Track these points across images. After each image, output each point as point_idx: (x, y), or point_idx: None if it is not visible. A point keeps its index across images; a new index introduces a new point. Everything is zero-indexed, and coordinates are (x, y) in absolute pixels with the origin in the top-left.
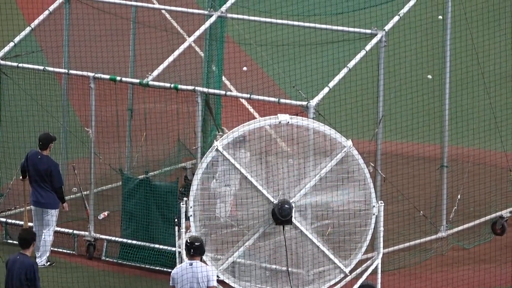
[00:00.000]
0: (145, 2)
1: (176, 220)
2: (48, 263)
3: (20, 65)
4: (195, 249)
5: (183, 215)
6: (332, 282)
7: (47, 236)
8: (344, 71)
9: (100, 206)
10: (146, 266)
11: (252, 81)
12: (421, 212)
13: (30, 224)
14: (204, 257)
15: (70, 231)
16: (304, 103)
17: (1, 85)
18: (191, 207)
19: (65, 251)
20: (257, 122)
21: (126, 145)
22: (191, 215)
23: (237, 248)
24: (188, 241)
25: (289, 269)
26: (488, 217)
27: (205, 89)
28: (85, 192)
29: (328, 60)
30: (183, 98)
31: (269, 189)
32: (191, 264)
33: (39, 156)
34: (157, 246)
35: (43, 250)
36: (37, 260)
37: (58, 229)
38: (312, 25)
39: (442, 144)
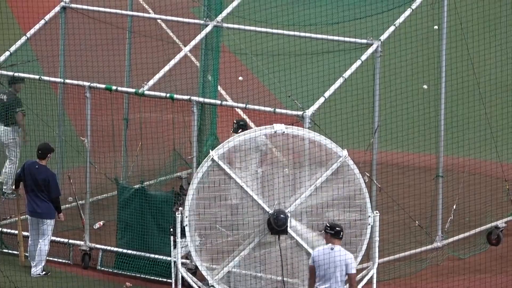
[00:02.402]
0: (141, 12)
1: (171, 229)
2: (44, 272)
3: (16, 74)
4: (339, 232)
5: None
6: None
7: (42, 246)
8: (339, 81)
9: (96, 215)
10: (142, 276)
11: (247, 91)
12: (417, 222)
13: (25, 233)
14: (199, 267)
15: (66, 240)
16: (300, 113)
17: None
18: (186, 217)
19: (60, 260)
20: (253, 132)
21: (122, 154)
22: (186, 225)
23: (232, 258)
24: (328, 224)
25: (284, 279)
26: (483, 227)
27: (201, 99)
28: (80, 202)
29: (324, 70)
30: (178, 107)
31: (264, 198)
32: (332, 249)
33: (37, 166)
34: (152, 255)
35: (38, 259)
36: (32, 269)
37: (54, 238)
38: (307, 35)
39: (438, 154)
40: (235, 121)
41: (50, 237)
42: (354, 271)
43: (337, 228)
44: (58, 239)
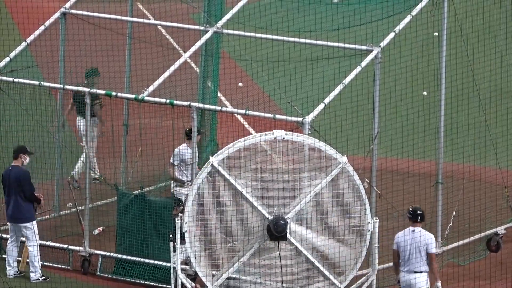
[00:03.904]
0: (141, 18)
1: (171, 235)
2: (43, 277)
3: (16, 80)
4: (417, 216)
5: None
6: None
7: (31, 251)
8: (339, 87)
9: (95, 221)
10: (141, 282)
11: (247, 97)
12: None
13: (22, 239)
14: (199, 273)
15: (65, 246)
16: (300, 119)
17: None
18: (186, 223)
19: (59, 266)
20: (253, 138)
21: (121, 160)
22: (186, 231)
23: (232, 264)
24: (411, 209)
25: (284, 285)
26: (483, 234)
27: (201, 105)
28: (80, 207)
29: (324, 76)
30: (178, 113)
31: (264, 205)
32: (413, 231)
33: (10, 167)
34: (152, 261)
35: (33, 265)
36: (31, 275)
37: (53, 244)
38: (307, 41)
39: (437, 161)
40: (187, 129)
41: (37, 240)
42: (434, 250)
43: (418, 212)
44: (57, 244)
